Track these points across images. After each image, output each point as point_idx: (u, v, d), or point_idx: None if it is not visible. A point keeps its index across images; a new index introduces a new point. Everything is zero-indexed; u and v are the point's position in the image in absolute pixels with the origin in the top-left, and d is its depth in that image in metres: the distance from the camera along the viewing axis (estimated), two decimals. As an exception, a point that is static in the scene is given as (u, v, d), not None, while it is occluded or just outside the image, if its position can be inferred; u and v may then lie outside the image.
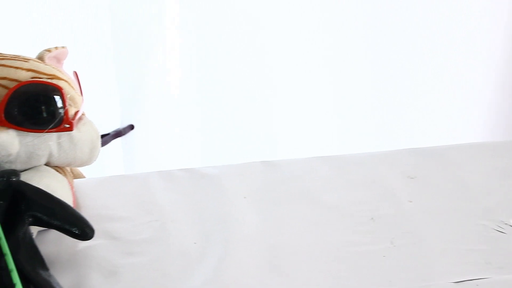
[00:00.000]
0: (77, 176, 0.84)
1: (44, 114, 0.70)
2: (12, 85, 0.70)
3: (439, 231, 0.72)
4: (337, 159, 0.87)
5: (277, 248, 0.70)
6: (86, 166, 0.80)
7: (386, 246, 0.70)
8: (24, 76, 0.71)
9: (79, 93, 0.76)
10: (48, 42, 0.80)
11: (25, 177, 0.67)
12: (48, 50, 0.76)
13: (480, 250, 0.69)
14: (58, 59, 0.77)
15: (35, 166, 0.72)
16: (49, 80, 0.71)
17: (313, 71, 1.60)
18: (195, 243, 0.71)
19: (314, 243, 0.71)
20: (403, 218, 0.75)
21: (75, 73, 0.79)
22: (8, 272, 0.59)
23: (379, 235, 0.72)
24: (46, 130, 0.70)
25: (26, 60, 0.73)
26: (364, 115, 1.68)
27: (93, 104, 0.79)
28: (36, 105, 0.70)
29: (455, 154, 0.88)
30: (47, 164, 0.74)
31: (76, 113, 0.73)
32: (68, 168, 0.77)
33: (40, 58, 0.75)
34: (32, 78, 0.71)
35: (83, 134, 0.74)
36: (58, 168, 0.75)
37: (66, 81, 0.74)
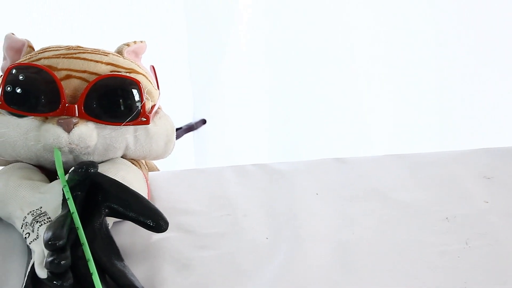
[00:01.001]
0: (151, 169, 0.85)
1: (122, 108, 0.71)
2: (91, 78, 0.71)
3: (516, 233, 0.71)
4: (410, 158, 0.86)
5: (348, 246, 0.70)
6: (159, 160, 0.81)
7: (461, 246, 0.69)
8: (104, 69, 0.72)
9: (156, 87, 0.77)
10: (127, 36, 0.81)
11: (102, 169, 0.69)
12: (127, 45, 0.77)
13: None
14: (137, 53, 0.78)
15: (112, 158, 0.74)
16: (127, 74, 0.73)
17: (385, 68, 1.58)
18: (266, 238, 0.71)
19: (386, 242, 0.70)
20: (479, 218, 0.73)
21: (152, 67, 0.80)
22: (85, 262, 0.60)
23: (454, 236, 0.71)
24: (124, 123, 0.71)
25: (106, 54, 0.74)
26: (438, 113, 1.65)
27: (166, 98, 0.80)
28: (115, 98, 0.71)
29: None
30: (123, 157, 0.75)
31: (152, 107, 0.74)
32: (143, 161, 0.78)
33: (119, 52, 0.76)
34: (111, 71, 0.73)
35: (159, 128, 0.75)
36: (134, 161, 0.76)
37: (144, 75, 0.75)
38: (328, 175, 0.83)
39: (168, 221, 0.65)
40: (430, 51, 1.59)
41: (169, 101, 0.79)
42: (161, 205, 0.74)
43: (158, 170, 0.88)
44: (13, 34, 0.77)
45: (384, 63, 1.58)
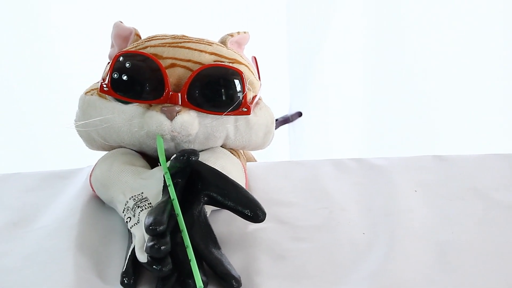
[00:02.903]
0: (249, 159, 0.85)
1: (224, 97, 0.72)
2: (195, 67, 0.72)
3: None
4: (513, 158, 0.84)
5: (446, 245, 0.68)
6: (256, 151, 0.81)
7: None
8: (207, 59, 0.73)
9: (258, 78, 0.78)
10: (228, 27, 0.82)
11: (202, 158, 0.69)
12: (231, 35, 0.78)
13: None
14: (239, 44, 0.79)
15: (212, 147, 0.75)
16: (230, 64, 0.73)
17: (492, 65, 1.54)
18: (363, 233, 0.70)
19: (486, 243, 0.69)
20: None
21: (254, 58, 0.80)
22: (183, 248, 0.61)
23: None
24: (225, 113, 0.71)
25: (210, 43, 0.75)
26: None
27: (263, 90, 0.81)
28: (217, 88, 0.72)
29: None
30: (222, 146, 0.76)
31: (254, 97, 0.74)
32: (241, 151, 0.79)
33: (223, 42, 0.77)
34: (215, 61, 0.73)
35: (259, 119, 0.75)
36: (233, 151, 0.76)
37: (246, 65, 0.75)
38: (427, 172, 0.82)
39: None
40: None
41: (265, 93, 0.79)
42: (258, 195, 0.74)
43: (256, 161, 0.89)
44: (121, 22, 0.78)
45: (490, 60, 1.54)
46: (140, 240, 0.62)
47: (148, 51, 0.73)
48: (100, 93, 0.73)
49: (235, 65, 0.73)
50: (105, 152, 0.76)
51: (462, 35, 1.52)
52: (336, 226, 0.72)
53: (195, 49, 0.73)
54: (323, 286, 0.63)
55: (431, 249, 0.68)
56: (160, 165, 0.68)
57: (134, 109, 0.72)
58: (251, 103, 0.73)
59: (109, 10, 1.33)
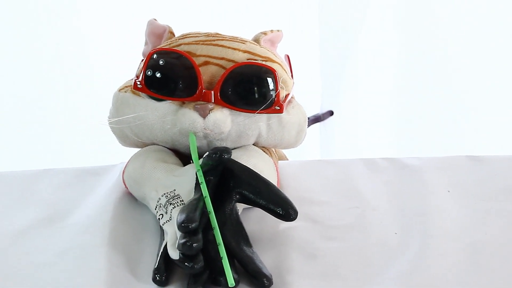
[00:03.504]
0: (280, 158, 0.85)
1: (257, 95, 0.72)
2: (228, 65, 0.72)
3: None
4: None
5: (479, 245, 0.68)
6: (288, 149, 0.81)
7: None
8: (241, 57, 0.73)
9: (290, 77, 0.77)
10: (260, 26, 0.82)
11: (234, 155, 0.69)
12: (264, 33, 0.78)
13: None
14: (272, 42, 0.79)
15: (244, 146, 0.75)
16: (263, 62, 0.73)
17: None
18: (395, 233, 0.70)
19: (520, 244, 0.68)
20: None
21: (287, 56, 0.80)
22: (215, 246, 0.61)
23: None
24: (258, 111, 0.71)
25: (243, 41, 0.75)
26: None
27: (294, 88, 0.80)
28: (250, 86, 0.72)
29: None
30: (254, 144, 0.76)
31: (286, 95, 0.74)
32: (273, 149, 0.79)
33: (256, 40, 0.77)
34: (248, 59, 0.73)
35: (292, 117, 0.75)
36: (265, 149, 0.76)
37: (279, 64, 0.75)
38: (461, 173, 0.81)
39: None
40: None
41: (297, 91, 0.79)
42: (289, 194, 0.74)
43: (287, 159, 0.88)
44: (155, 20, 0.79)
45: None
46: (172, 237, 0.63)
47: (181, 48, 0.73)
48: (134, 90, 0.73)
49: (268, 63, 0.73)
50: (138, 149, 0.76)
51: (497, 34, 1.50)
52: (368, 226, 0.71)
53: (229, 47, 0.73)
54: (354, 286, 0.63)
55: (463, 249, 0.67)
56: (193, 162, 0.68)
57: (167, 106, 0.72)
58: (284, 101, 0.73)
59: (142, 8, 1.34)
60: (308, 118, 0.78)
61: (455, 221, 0.72)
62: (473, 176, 0.80)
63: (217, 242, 0.61)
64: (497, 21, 1.49)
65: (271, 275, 0.62)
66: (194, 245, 0.59)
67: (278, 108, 0.72)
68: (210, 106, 0.70)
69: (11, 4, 1.34)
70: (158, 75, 0.71)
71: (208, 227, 0.62)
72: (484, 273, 0.64)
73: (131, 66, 0.78)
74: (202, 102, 0.70)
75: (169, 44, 0.75)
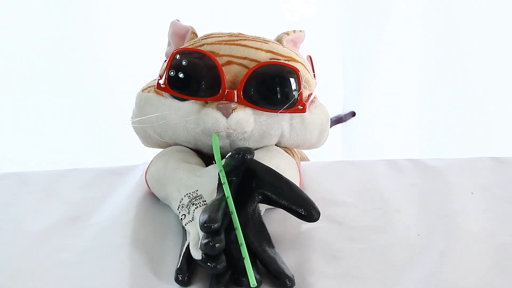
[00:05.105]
0: (302, 158, 0.85)
1: (280, 95, 0.72)
2: (251, 65, 0.72)
3: None
4: None
5: (503, 248, 0.67)
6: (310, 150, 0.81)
7: None
8: (263, 57, 0.73)
9: (313, 77, 0.77)
10: (282, 26, 0.82)
11: (256, 156, 0.69)
12: (287, 33, 0.78)
13: None
14: (295, 42, 0.79)
15: (266, 146, 0.75)
16: (286, 62, 0.73)
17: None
18: (418, 235, 0.70)
19: (545, 247, 0.67)
20: None
21: (309, 57, 0.80)
22: (237, 246, 0.61)
23: None
24: (281, 110, 0.71)
25: (266, 41, 0.75)
26: None
27: (316, 89, 0.80)
28: (273, 85, 0.72)
29: None
30: (277, 144, 0.76)
31: (309, 95, 0.74)
32: (295, 150, 0.79)
33: (279, 40, 0.77)
34: (271, 59, 0.73)
35: (315, 117, 0.75)
36: (287, 149, 0.76)
37: (302, 63, 0.75)
38: (484, 174, 0.81)
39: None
40: None
41: (319, 92, 0.79)
42: (312, 194, 0.74)
43: (309, 160, 0.88)
44: (178, 20, 0.79)
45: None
46: (195, 237, 0.63)
47: (204, 48, 0.73)
48: (157, 90, 0.74)
49: (291, 63, 0.73)
50: (161, 150, 0.77)
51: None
52: (390, 227, 0.71)
53: (251, 47, 0.74)
54: (376, 287, 0.62)
55: (487, 252, 0.67)
56: (215, 162, 0.68)
57: (190, 106, 0.72)
58: (307, 101, 0.73)
59: (164, 9, 1.34)
60: (331, 118, 0.78)
61: (479, 223, 0.71)
62: (497, 178, 0.80)
63: (239, 242, 0.61)
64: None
65: (293, 276, 0.62)
66: (217, 245, 0.59)
67: (301, 107, 0.72)
68: (233, 105, 0.70)
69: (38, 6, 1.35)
70: (181, 75, 0.72)
71: (230, 227, 0.62)
72: (507, 275, 0.64)
73: (154, 67, 0.79)
74: (225, 102, 0.71)
75: (192, 44, 0.75)
